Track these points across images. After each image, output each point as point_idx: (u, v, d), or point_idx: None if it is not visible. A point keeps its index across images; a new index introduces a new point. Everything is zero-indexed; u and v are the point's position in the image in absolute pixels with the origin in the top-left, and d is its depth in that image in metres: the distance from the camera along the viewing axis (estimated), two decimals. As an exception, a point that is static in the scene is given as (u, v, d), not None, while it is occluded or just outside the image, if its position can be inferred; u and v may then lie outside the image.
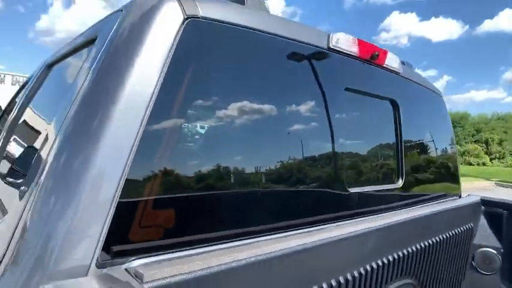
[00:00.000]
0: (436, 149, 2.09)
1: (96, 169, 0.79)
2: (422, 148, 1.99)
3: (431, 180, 2.00)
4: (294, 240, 1.06)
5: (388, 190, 1.66)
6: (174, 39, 0.91)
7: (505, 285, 2.02)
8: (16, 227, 0.80)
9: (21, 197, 0.90)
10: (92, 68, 0.96)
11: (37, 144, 1.11)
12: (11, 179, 1.07)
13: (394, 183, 1.69)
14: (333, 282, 1.14)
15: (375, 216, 1.49)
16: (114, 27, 1.01)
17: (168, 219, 0.92)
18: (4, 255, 0.77)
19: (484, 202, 2.16)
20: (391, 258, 1.43)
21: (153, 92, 0.86)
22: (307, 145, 1.33)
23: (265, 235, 1.06)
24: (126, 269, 0.76)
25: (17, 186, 1.00)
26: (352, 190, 1.42)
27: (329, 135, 1.39)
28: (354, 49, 1.47)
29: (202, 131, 1.07)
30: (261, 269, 0.95)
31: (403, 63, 1.85)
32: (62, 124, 0.91)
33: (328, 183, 1.36)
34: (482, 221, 2.13)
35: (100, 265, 0.74)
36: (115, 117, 0.83)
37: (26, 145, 1.32)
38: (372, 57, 1.55)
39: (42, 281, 0.68)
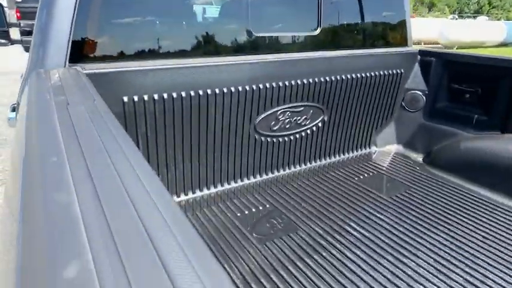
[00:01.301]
0: (374, 6, 2.36)
1: (58, 22, 1.39)
2: (354, 4, 2.26)
3: (362, 31, 2.32)
4: (194, 59, 1.68)
5: (305, 38, 2.07)
6: None
7: (425, 119, 2.48)
8: (29, 59, 1.48)
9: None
10: None
11: None
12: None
13: (312, 31, 2.08)
14: (247, 87, 1.84)
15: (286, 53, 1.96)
16: None
17: (105, 44, 1.54)
18: (29, 64, 1.46)
19: (422, 52, 2.47)
20: (287, 83, 1.95)
21: None
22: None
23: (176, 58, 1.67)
24: (80, 67, 1.41)
25: None
26: (262, 34, 1.89)
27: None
28: None
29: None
30: (164, 73, 1.59)
31: None
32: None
33: (235, 30, 1.84)
34: (417, 68, 2.48)
35: (69, 66, 1.40)
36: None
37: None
38: None
39: (41, 67, 1.36)
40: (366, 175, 2.22)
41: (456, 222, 1.72)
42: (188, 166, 1.83)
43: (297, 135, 2.15)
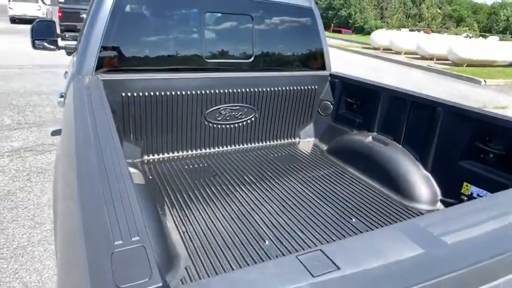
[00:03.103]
0: (296, 40, 3.48)
1: (94, 38, 2.60)
2: (280, 39, 3.40)
3: (287, 59, 3.45)
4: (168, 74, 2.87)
5: (242, 63, 3.22)
6: None
7: (332, 121, 3.60)
8: (75, 62, 2.77)
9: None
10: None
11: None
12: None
13: (247, 59, 3.23)
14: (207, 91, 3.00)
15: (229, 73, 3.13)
16: None
17: (119, 59, 2.74)
18: (74, 67, 2.74)
19: (331, 75, 3.58)
20: (234, 90, 3.12)
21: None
22: (188, 36, 2.98)
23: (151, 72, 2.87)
24: (100, 75, 2.60)
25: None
26: (212, 60, 3.06)
27: (201, 30, 2.99)
28: None
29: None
30: (147, 81, 2.77)
31: None
32: (87, 23, 2.71)
33: (193, 58, 3.02)
34: (327, 86, 3.59)
35: (95, 73, 2.60)
36: (100, 16, 2.60)
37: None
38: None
39: (79, 73, 2.56)
40: (280, 155, 3.35)
41: (320, 186, 2.81)
42: (160, 136, 3.03)
43: (236, 125, 3.31)
